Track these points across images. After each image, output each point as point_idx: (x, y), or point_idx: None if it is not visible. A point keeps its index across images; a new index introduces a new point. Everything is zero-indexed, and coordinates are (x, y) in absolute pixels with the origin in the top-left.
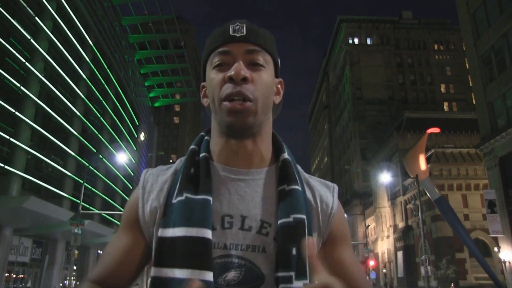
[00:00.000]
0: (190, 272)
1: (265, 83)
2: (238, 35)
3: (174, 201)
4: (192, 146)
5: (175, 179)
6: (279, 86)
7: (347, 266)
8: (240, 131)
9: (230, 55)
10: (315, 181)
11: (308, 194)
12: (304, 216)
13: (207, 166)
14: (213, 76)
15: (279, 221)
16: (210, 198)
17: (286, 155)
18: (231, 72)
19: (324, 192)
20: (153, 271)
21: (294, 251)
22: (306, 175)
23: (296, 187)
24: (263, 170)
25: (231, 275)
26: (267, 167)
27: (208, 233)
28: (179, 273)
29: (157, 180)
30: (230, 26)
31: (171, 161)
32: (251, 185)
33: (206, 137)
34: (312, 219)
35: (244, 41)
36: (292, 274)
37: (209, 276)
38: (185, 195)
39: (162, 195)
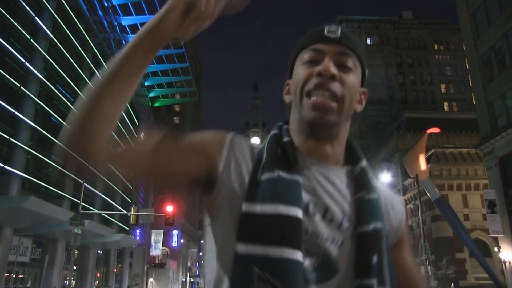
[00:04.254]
0: (281, 250)
1: (353, 85)
2: (332, 36)
3: (262, 177)
4: (274, 131)
5: (256, 156)
6: (362, 96)
7: (411, 270)
8: (321, 128)
9: (322, 53)
10: (384, 188)
11: (382, 202)
12: (382, 225)
13: (293, 149)
14: (301, 70)
15: (359, 229)
16: (301, 180)
17: (364, 163)
18: (320, 68)
19: (395, 201)
20: (240, 248)
21: (375, 259)
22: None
23: (375, 196)
24: (342, 170)
25: (307, 261)
26: (343, 167)
27: (300, 213)
28: (270, 251)
29: (243, 149)
30: (326, 27)
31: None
32: (331, 180)
33: (285, 126)
34: (385, 227)
35: (337, 43)
36: (374, 282)
37: (299, 256)
38: (277, 172)
39: (249, 166)
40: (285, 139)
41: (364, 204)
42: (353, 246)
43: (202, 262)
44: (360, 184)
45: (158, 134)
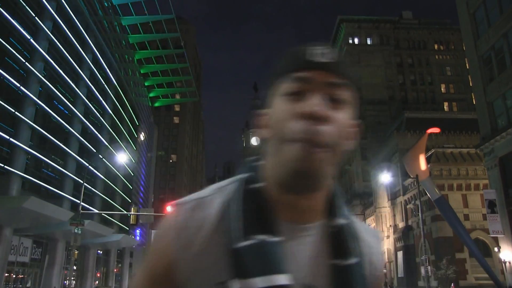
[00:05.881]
0: None
1: (346, 126)
2: (322, 61)
3: (241, 245)
4: (244, 175)
5: (224, 214)
6: (354, 130)
7: None
8: (304, 180)
9: (309, 84)
10: (362, 230)
11: (365, 261)
12: None
13: (270, 206)
14: (281, 106)
15: None
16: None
17: (342, 220)
18: (306, 108)
19: (374, 257)
20: None
21: None
22: (352, 219)
23: (353, 262)
24: (315, 226)
25: None
26: (319, 221)
27: (290, 280)
28: None
29: (195, 217)
30: (312, 48)
31: (171, 161)
32: (300, 243)
33: (257, 165)
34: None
35: (327, 69)
36: None
37: None
38: (258, 237)
39: (216, 237)
40: (259, 185)
41: (339, 273)
42: None
43: None
44: (336, 246)
45: None
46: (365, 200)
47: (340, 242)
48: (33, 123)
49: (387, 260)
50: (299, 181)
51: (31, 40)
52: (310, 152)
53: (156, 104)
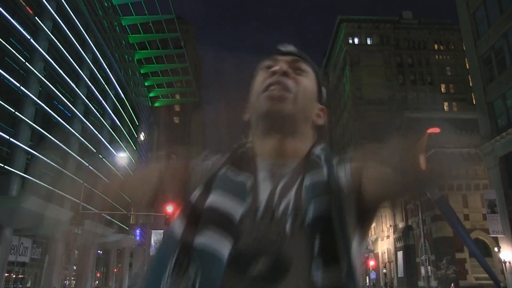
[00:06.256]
0: (208, 240)
1: (305, 86)
2: (285, 49)
3: (216, 175)
4: (234, 146)
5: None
6: (321, 112)
7: (373, 175)
8: (277, 119)
9: (277, 60)
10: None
11: (338, 171)
12: (326, 200)
13: (250, 151)
14: (259, 76)
15: (304, 217)
16: (249, 178)
17: (314, 150)
18: (275, 67)
19: (342, 163)
20: (181, 235)
21: (320, 238)
22: (337, 165)
23: (317, 172)
24: (298, 164)
25: (260, 265)
26: (300, 158)
27: (236, 209)
28: (202, 239)
29: (209, 160)
30: (280, 45)
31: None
32: (284, 175)
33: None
34: (340, 195)
35: (290, 54)
36: (320, 260)
37: (228, 245)
38: (226, 170)
39: (208, 173)
40: (245, 144)
41: (309, 188)
42: (305, 235)
43: None
44: (310, 169)
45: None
46: None
47: (313, 163)
48: (33, 123)
49: (387, 260)
50: (273, 118)
51: (31, 40)
52: (277, 92)
53: (156, 104)
